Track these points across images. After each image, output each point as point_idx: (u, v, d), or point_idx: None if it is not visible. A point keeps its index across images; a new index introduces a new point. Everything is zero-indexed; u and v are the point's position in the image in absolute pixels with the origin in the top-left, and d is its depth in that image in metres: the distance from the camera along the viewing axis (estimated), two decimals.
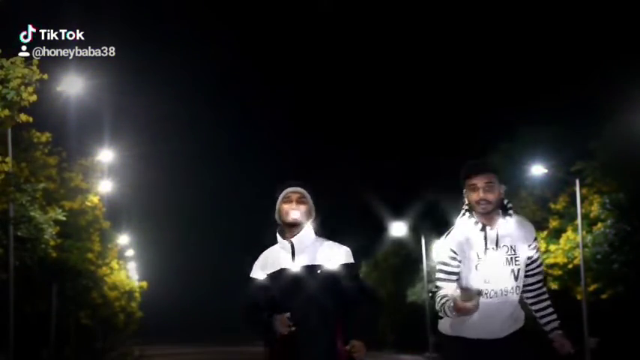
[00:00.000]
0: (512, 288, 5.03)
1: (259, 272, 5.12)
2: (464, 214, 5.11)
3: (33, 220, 17.91)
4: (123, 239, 41.70)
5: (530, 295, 5.19)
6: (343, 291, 4.92)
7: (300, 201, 5.10)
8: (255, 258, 5.23)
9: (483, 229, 5.02)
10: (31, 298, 24.88)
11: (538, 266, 5.16)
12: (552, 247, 26.79)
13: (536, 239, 5.16)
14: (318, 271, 4.96)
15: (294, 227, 5.08)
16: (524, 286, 5.13)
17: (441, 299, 4.98)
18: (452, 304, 4.84)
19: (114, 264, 37.68)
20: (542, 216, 28.83)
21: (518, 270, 5.04)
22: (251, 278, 5.17)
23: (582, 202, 25.78)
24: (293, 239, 5.06)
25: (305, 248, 5.04)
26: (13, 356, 19.88)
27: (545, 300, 5.19)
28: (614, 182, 25.10)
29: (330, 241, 5.11)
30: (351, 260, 5.04)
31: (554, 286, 26.96)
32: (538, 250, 5.18)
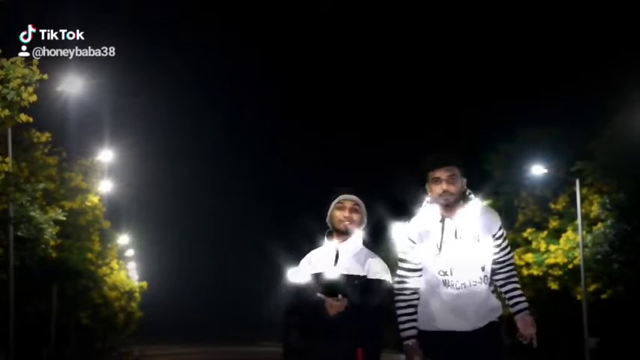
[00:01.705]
0: (480, 278, 5.00)
1: (305, 269, 5.10)
2: (426, 207, 5.12)
3: (33, 220, 17.89)
4: (123, 239, 41.69)
5: (498, 277, 5.15)
6: (370, 307, 4.90)
7: (354, 209, 5.08)
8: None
9: (442, 220, 5.04)
10: (31, 298, 24.89)
11: (506, 254, 5.13)
12: (552, 247, 26.78)
13: (501, 228, 5.11)
14: (356, 282, 4.92)
15: (343, 234, 5.06)
16: (493, 271, 5.09)
17: (403, 326, 5.07)
18: (406, 349, 5.05)
19: (114, 264, 37.67)
20: (542, 216, 28.82)
21: (483, 260, 5.01)
22: (293, 275, 5.17)
23: (582, 202, 25.77)
24: (339, 246, 5.03)
25: (349, 257, 5.02)
26: (13, 356, 19.88)
27: (513, 283, 5.13)
28: (614, 182, 25.08)
29: (375, 256, 5.08)
30: (385, 278, 5.01)
31: (554, 286, 26.96)
32: (505, 238, 5.14)
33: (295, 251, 5.30)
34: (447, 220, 5.04)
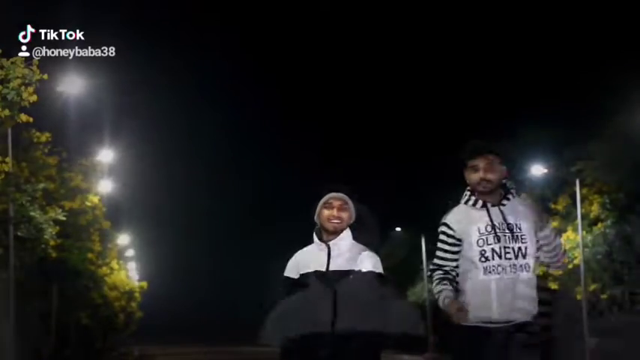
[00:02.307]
0: (521, 266, 4.97)
1: (293, 272, 5.05)
2: (467, 197, 5.13)
3: (33, 220, 17.88)
4: (123, 239, 41.68)
5: (543, 258, 5.14)
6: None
7: (342, 208, 5.01)
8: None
9: (484, 206, 5.05)
10: (31, 298, 24.87)
11: (548, 243, 5.08)
12: None
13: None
14: (351, 277, 4.90)
15: (333, 232, 5.02)
16: (539, 256, 5.08)
17: (440, 293, 5.03)
18: (446, 305, 4.96)
19: (114, 264, 37.66)
20: None
21: (526, 247, 5.00)
22: (285, 278, 5.09)
23: (582, 202, 25.77)
24: (331, 243, 4.99)
25: (342, 253, 4.99)
26: (13, 356, 19.87)
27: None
28: (614, 182, 25.09)
29: (367, 250, 5.05)
30: (381, 270, 5.00)
31: (554, 286, 26.96)
32: (545, 228, 5.08)
33: (296, 251, 5.25)
34: (489, 204, 5.05)
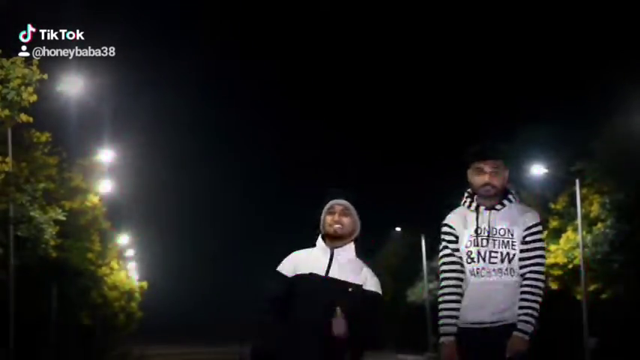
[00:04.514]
0: (506, 269, 4.94)
1: (289, 268, 5.04)
2: (465, 198, 5.11)
3: (33, 220, 17.89)
4: (123, 239, 41.68)
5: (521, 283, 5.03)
6: (362, 320, 4.87)
7: (344, 213, 5.07)
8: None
9: (477, 209, 5.03)
10: (31, 298, 24.88)
11: (530, 257, 4.97)
12: (552, 247, 26.78)
13: (536, 225, 5.01)
14: (350, 289, 4.93)
15: (335, 239, 5.06)
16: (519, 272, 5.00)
17: (441, 322, 5.06)
18: (442, 340, 4.99)
19: (114, 264, 37.67)
20: (542, 216, 28.80)
21: (514, 254, 4.96)
22: (277, 272, 5.07)
23: (582, 202, 25.78)
24: (336, 249, 5.03)
25: (343, 262, 5.01)
26: (13, 356, 19.88)
27: (524, 293, 4.94)
28: (614, 182, 25.09)
29: (368, 267, 5.06)
30: (380, 292, 5.02)
31: (554, 286, 26.97)
32: (535, 234, 5.00)
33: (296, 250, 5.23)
34: (482, 208, 5.03)
